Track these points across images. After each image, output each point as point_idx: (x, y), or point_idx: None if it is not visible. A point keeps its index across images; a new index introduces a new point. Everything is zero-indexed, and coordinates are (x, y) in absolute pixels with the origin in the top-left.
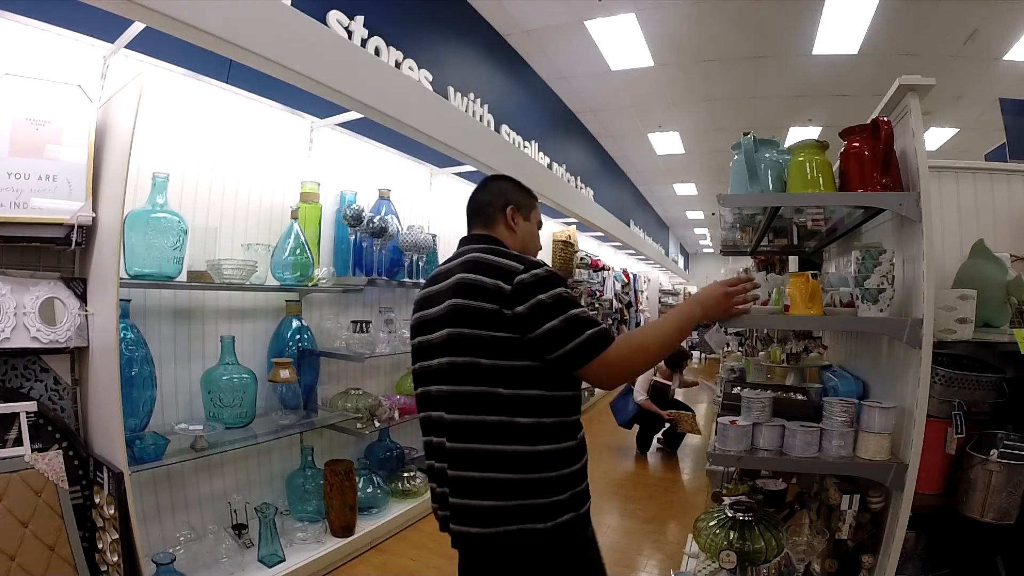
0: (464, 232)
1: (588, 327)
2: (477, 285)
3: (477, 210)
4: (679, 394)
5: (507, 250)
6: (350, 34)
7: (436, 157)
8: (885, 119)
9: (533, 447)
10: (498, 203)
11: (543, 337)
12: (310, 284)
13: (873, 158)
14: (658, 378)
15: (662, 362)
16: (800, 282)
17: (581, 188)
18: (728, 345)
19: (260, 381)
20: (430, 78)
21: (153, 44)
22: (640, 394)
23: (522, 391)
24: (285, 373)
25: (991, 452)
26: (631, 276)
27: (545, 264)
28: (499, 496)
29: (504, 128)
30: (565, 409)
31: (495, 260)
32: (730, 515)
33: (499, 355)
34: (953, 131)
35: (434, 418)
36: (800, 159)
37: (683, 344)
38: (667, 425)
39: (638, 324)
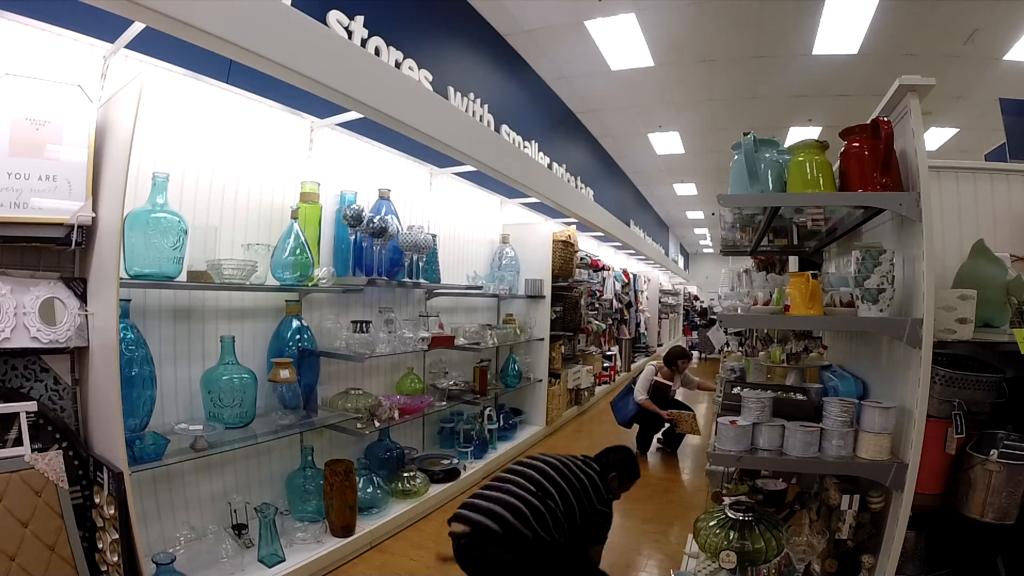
0: (462, 232)
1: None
2: (587, 491)
3: (608, 465)
4: (679, 394)
5: (606, 488)
6: (350, 34)
7: (436, 157)
8: (885, 119)
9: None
10: (614, 470)
11: (600, 525)
12: (310, 284)
13: (873, 158)
14: (659, 378)
15: (662, 362)
16: (800, 282)
17: (581, 188)
18: (728, 345)
19: (260, 381)
20: (430, 78)
21: (153, 44)
22: (640, 393)
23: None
24: (285, 373)
25: (991, 452)
26: (631, 276)
27: (611, 505)
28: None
29: (504, 128)
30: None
31: (601, 491)
32: (730, 515)
33: (573, 520)
34: (953, 131)
35: (510, 480)
36: (800, 159)
37: (683, 344)
38: (667, 425)
39: (638, 324)
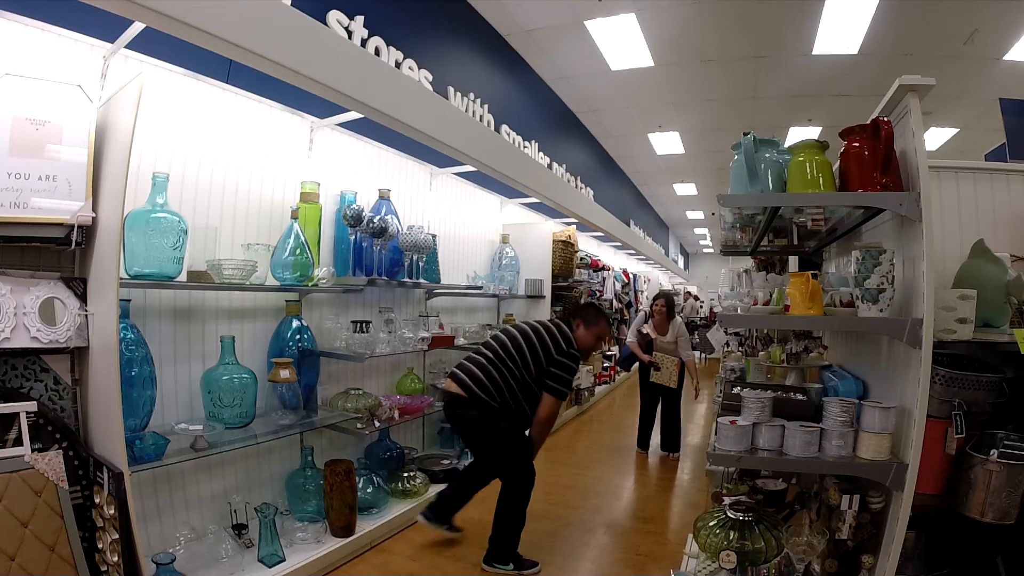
0: (462, 232)
1: (567, 385)
2: (546, 345)
3: (573, 311)
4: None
5: (568, 342)
6: (350, 34)
7: (436, 157)
8: (885, 119)
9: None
10: (577, 316)
11: (553, 374)
12: (310, 284)
13: (873, 158)
14: (645, 328)
15: (661, 315)
16: (800, 282)
17: (581, 188)
18: (728, 345)
19: (260, 381)
20: (430, 78)
21: (153, 44)
22: (630, 337)
23: (532, 379)
24: (285, 373)
25: (991, 452)
26: (631, 276)
27: (578, 354)
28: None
29: (504, 128)
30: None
31: (561, 344)
32: (730, 515)
33: (538, 364)
34: (953, 131)
35: (479, 356)
36: (800, 159)
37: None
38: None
39: None
